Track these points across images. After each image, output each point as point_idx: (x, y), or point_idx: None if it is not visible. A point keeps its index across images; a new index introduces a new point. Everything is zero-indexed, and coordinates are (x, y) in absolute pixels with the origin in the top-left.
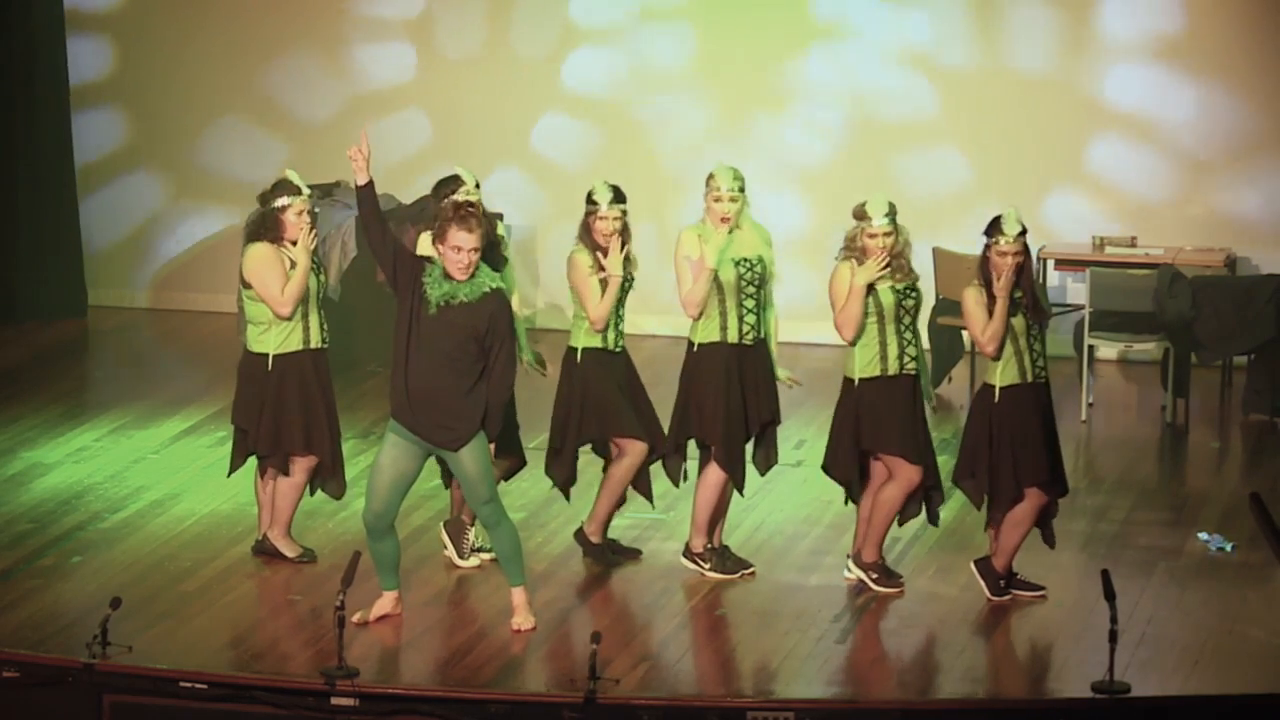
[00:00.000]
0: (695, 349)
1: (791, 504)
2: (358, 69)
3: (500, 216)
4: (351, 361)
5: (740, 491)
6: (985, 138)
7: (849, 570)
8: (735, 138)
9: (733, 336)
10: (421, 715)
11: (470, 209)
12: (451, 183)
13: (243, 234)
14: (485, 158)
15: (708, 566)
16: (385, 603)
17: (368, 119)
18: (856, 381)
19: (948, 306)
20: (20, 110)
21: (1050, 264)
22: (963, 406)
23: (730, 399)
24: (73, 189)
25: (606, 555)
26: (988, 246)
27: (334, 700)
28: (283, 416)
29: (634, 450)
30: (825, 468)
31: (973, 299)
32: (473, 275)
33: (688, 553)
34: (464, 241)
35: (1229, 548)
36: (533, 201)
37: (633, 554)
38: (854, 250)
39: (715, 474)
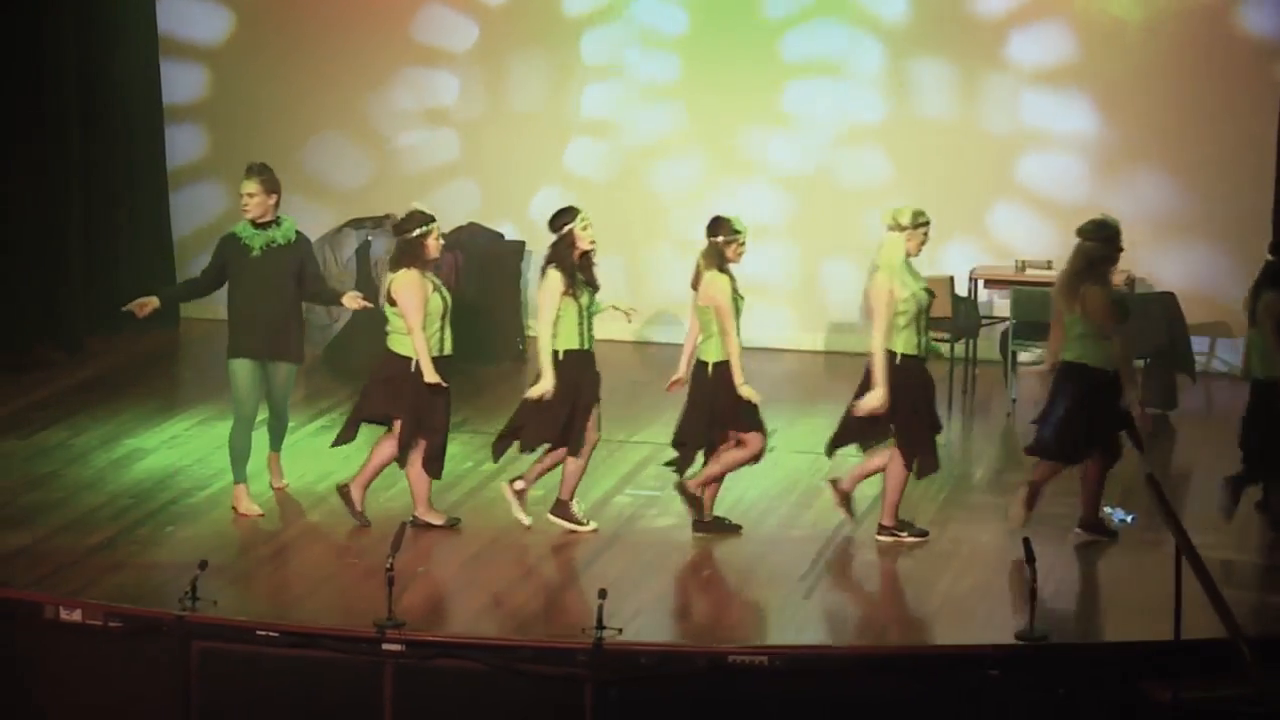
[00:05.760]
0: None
1: (765, 483)
2: (401, 150)
3: (522, 244)
4: None
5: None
6: (919, 184)
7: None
8: (724, 165)
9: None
10: (457, 659)
11: None
12: (566, 214)
13: (388, 261)
14: (511, 187)
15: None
16: None
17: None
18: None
19: None
20: (120, 150)
21: (980, 283)
22: None
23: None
24: (166, 221)
25: (721, 524)
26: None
27: (385, 646)
28: (423, 412)
29: (756, 442)
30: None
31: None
32: None
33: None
34: None
35: (1130, 519)
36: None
37: (734, 528)
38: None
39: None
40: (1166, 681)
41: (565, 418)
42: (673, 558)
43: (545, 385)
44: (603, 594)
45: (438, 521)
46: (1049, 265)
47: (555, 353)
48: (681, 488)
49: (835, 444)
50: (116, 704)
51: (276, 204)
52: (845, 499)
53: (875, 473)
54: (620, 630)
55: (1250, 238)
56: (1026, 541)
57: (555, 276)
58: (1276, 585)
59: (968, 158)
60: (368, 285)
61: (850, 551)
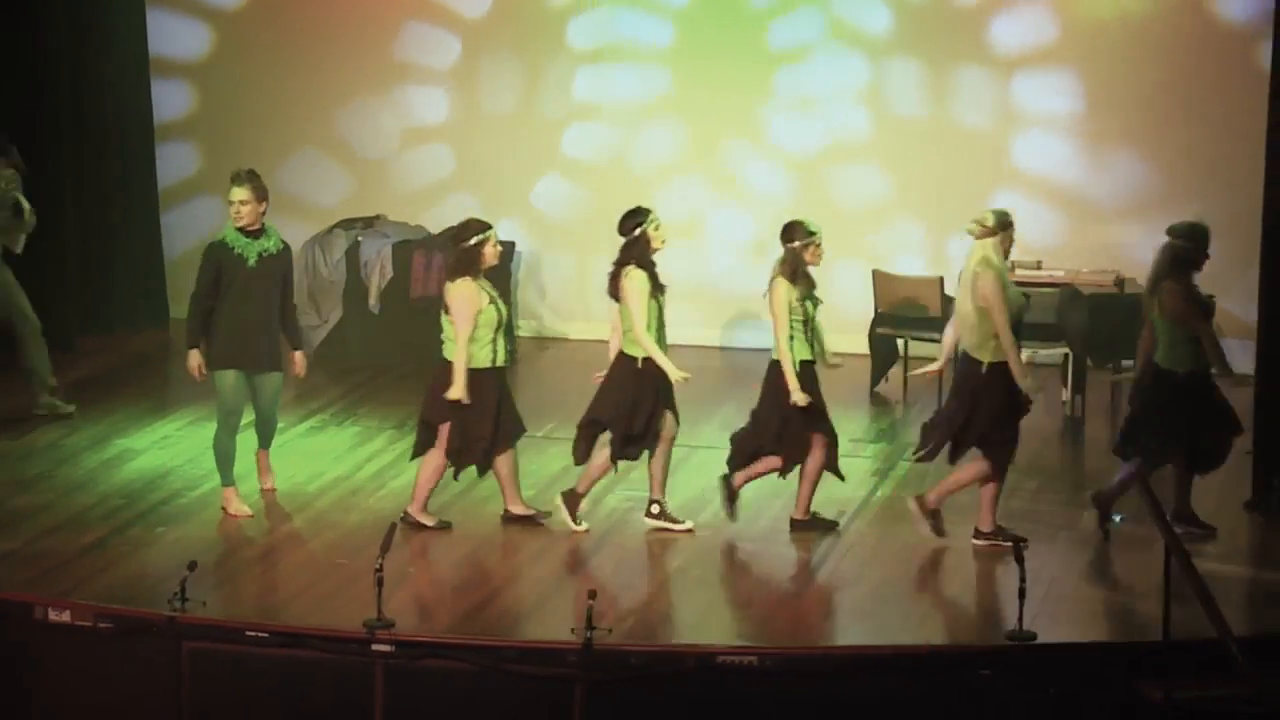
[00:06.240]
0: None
1: (757, 483)
2: (402, 111)
3: (512, 245)
4: (388, 363)
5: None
6: (916, 175)
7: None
8: (708, 170)
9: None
10: (447, 659)
11: None
12: (638, 215)
13: (446, 269)
14: (500, 190)
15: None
16: None
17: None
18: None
19: (885, 319)
20: (111, 149)
21: None
22: (898, 402)
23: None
24: (156, 222)
25: (822, 523)
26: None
27: (374, 647)
28: (468, 420)
29: (822, 445)
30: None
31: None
32: None
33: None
34: None
35: (1119, 519)
36: (541, 230)
37: (831, 525)
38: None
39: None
40: (1159, 681)
41: (646, 420)
42: (663, 558)
43: (675, 376)
44: (593, 594)
45: (429, 523)
46: (1038, 265)
47: (634, 359)
48: (808, 522)
49: (956, 452)
50: (107, 705)
51: (265, 211)
52: (934, 516)
53: (964, 487)
54: (610, 630)
55: (1244, 239)
56: (1015, 542)
57: (641, 276)
58: (1267, 585)
59: (963, 157)
60: (356, 288)
61: (841, 552)
